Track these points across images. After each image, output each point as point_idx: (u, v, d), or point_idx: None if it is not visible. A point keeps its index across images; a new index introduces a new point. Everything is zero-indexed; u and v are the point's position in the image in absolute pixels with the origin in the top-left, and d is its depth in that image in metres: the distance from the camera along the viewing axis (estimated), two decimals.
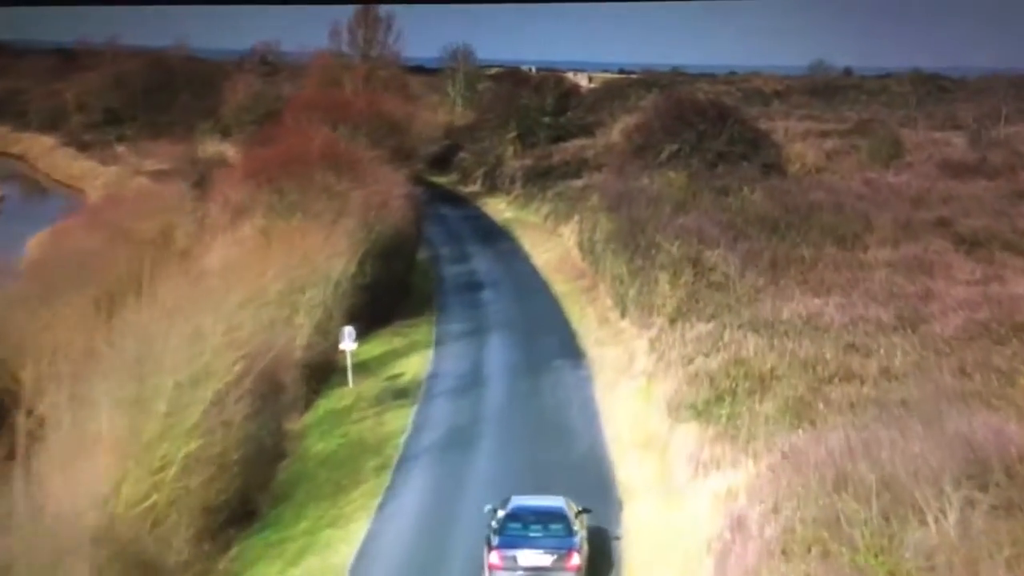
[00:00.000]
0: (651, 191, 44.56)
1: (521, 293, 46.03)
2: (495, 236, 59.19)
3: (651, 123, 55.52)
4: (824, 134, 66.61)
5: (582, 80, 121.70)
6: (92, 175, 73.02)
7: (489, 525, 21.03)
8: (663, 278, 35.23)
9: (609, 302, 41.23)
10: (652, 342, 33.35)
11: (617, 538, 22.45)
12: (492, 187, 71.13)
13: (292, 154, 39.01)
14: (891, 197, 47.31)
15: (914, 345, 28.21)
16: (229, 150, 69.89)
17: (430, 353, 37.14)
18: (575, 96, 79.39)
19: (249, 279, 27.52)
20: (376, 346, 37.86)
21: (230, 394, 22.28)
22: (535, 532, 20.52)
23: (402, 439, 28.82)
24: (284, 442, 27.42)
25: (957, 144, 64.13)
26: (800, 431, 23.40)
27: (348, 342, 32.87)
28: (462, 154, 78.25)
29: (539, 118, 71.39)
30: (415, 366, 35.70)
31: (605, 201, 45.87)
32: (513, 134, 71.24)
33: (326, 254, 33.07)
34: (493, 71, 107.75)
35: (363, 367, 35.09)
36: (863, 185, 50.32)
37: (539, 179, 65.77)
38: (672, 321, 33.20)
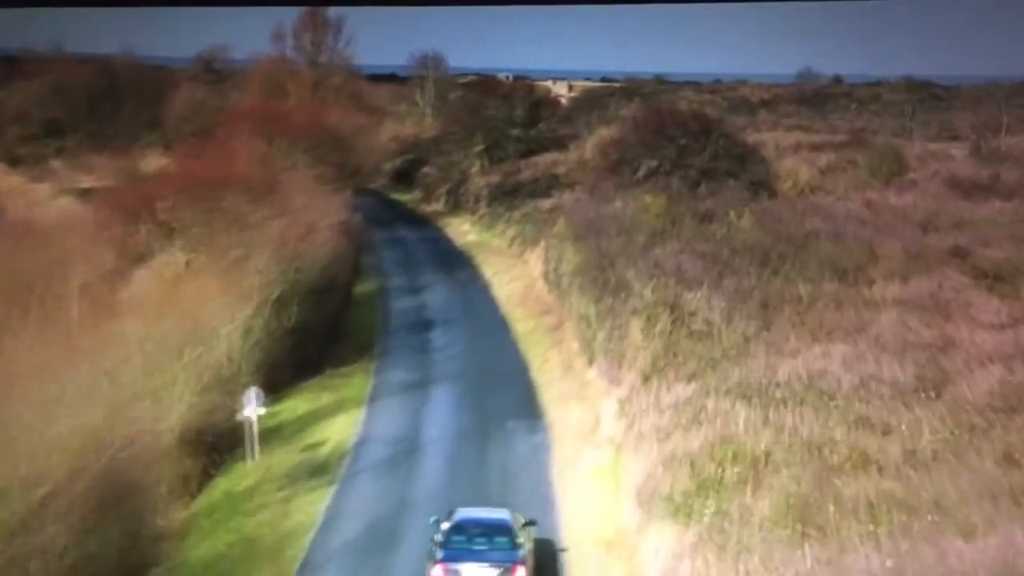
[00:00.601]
0: (624, 217, 39.14)
1: (478, 333, 40.42)
2: (455, 263, 53.44)
3: (628, 137, 51.08)
4: (816, 147, 61.40)
5: (562, 89, 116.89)
6: (17, 193, 67.01)
7: (432, 538, 20.42)
8: (635, 325, 29.87)
9: (576, 346, 35.79)
10: (622, 403, 28.04)
11: None
12: (456, 206, 65.44)
13: (197, 177, 33.07)
14: (896, 221, 42.58)
15: (942, 418, 23.26)
16: (172, 165, 64.14)
17: (362, 413, 31.52)
18: (548, 106, 73.84)
19: (114, 342, 21.75)
20: (299, 403, 32.25)
21: (47, 510, 16.57)
22: (480, 545, 20.05)
23: (308, 537, 23.22)
24: (154, 547, 21.69)
25: (959, 156, 59.29)
26: (806, 546, 18.27)
27: (252, 407, 27.13)
28: (426, 169, 72.59)
29: (507, 130, 65.69)
30: (341, 430, 30.06)
31: (572, 228, 40.39)
32: (480, 148, 65.52)
33: (227, 299, 27.32)
34: (468, 79, 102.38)
35: (278, 432, 29.56)
36: (864, 207, 45.53)
37: (506, 198, 60.24)
38: (646, 379, 27.97)
